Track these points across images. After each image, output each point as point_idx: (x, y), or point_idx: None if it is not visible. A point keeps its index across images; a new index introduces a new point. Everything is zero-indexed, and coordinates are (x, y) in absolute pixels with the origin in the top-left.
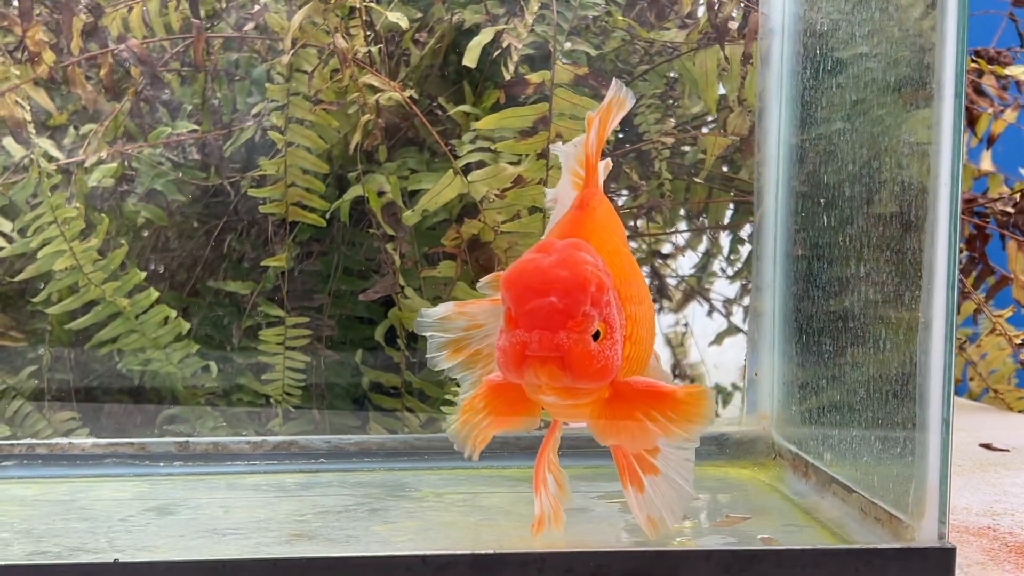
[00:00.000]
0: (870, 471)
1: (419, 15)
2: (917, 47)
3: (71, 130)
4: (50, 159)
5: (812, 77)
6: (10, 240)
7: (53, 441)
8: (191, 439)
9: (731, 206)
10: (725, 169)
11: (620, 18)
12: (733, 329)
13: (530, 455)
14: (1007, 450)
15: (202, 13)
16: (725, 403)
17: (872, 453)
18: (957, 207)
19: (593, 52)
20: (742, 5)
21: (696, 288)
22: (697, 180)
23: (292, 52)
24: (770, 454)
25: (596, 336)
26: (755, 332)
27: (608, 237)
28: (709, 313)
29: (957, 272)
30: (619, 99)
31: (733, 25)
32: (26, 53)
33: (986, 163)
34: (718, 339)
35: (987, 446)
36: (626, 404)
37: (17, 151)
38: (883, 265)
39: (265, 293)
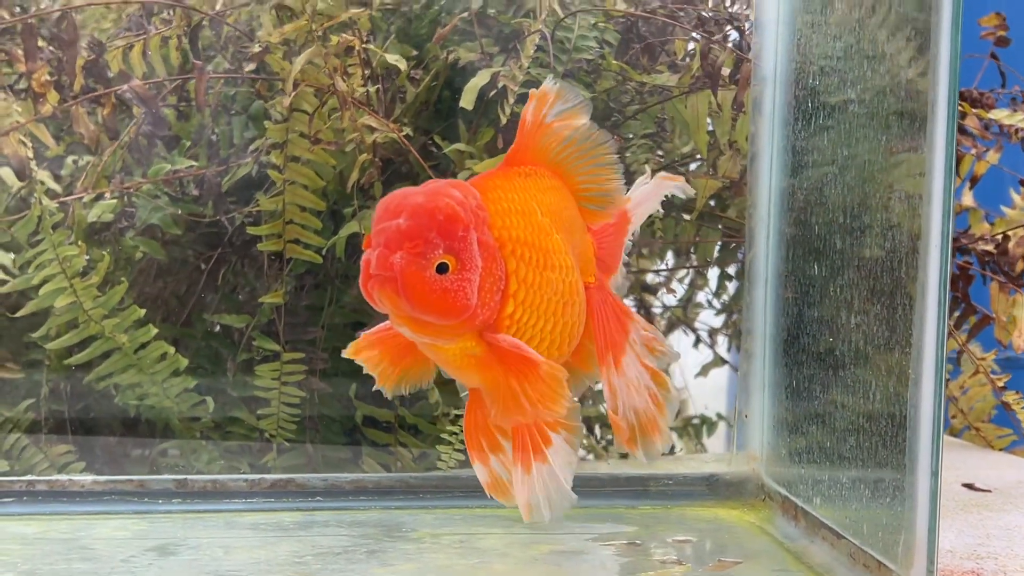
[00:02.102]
0: (859, 517)
1: (414, 52)
2: (906, 95)
3: (68, 161)
4: (51, 195)
5: (803, 126)
6: (8, 273)
7: (53, 478)
8: (189, 477)
9: (718, 244)
10: (712, 203)
11: (613, 62)
12: (719, 361)
13: None
14: (989, 490)
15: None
16: (709, 433)
17: (861, 500)
18: (947, 268)
19: (587, 95)
20: (734, 53)
21: (683, 319)
22: (687, 218)
23: (294, 94)
24: (759, 495)
25: (444, 269)
26: (745, 374)
27: (525, 198)
28: (696, 344)
29: (946, 329)
30: (552, 90)
31: (725, 71)
32: (30, 91)
33: (967, 198)
34: (703, 371)
35: (970, 486)
36: (493, 360)
37: (14, 182)
38: (873, 316)
39: (260, 327)
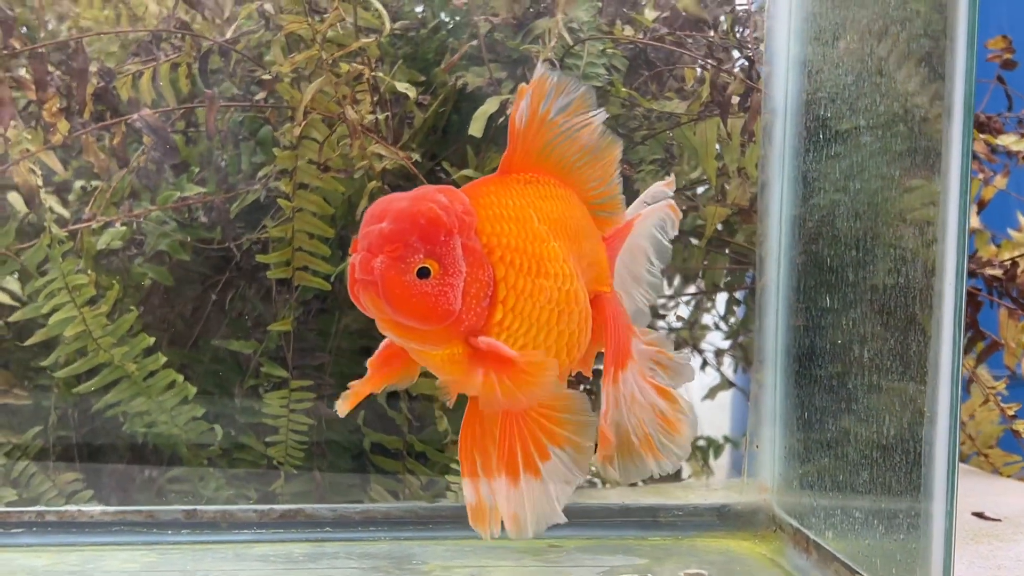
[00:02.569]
0: (872, 551)
1: (422, 78)
2: (918, 126)
3: (76, 186)
4: (60, 222)
5: (815, 156)
6: (16, 299)
7: (63, 508)
8: (199, 507)
9: (726, 269)
10: (720, 228)
11: (622, 89)
12: (726, 383)
13: None
14: (999, 519)
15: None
16: (716, 455)
17: (874, 534)
18: (961, 306)
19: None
20: (744, 81)
21: (689, 340)
22: (696, 243)
23: (304, 123)
24: (770, 526)
25: (426, 273)
26: (756, 403)
27: (520, 204)
28: (703, 367)
29: (961, 366)
30: (544, 79)
31: (734, 99)
32: (40, 119)
33: (974, 221)
34: (711, 393)
35: (980, 515)
36: (476, 363)
37: (22, 208)
38: (887, 351)
39: (268, 352)
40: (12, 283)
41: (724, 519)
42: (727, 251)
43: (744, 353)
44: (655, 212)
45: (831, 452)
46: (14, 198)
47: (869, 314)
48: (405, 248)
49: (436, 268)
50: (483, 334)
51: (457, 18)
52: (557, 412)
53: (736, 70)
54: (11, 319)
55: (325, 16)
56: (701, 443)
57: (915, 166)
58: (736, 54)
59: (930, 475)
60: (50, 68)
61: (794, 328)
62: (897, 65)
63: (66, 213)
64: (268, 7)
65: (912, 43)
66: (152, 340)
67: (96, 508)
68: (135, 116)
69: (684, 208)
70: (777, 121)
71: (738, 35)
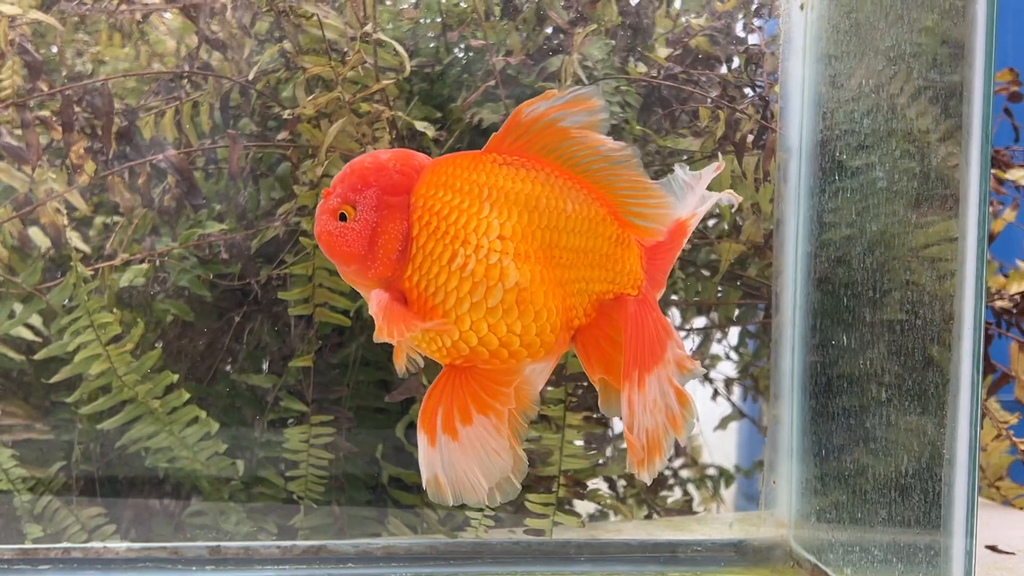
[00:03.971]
0: None
1: (438, 114)
2: (934, 171)
3: (97, 221)
4: (86, 262)
5: (830, 197)
6: (37, 333)
7: (88, 545)
8: (222, 544)
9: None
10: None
11: (637, 127)
12: (737, 414)
13: (553, 559)
14: (1013, 553)
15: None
16: (727, 484)
17: (893, 573)
18: (980, 352)
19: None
20: (759, 121)
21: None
22: (711, 279)
23: (326, 163)
24: (788, 561)
25: (344, 219)
26: (773, 439)
27: (473, 179)
28: (713, 397)
29: (980, 411)
30: (584, 98)
31: (749, 138)
32: (67, 159)
33: None
34: (722, 423)
35: (993, 548)
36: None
37: (43, 241)
38: (905, 391)
39: (287, 386)
40: (34, 319)
41: (742, 554)
42: (738, 283)
43: (755, 384)
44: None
45: (849, 488)
46: (40, 236)
47: (886, 353)
48: (333, 193)
49: (351, 213)
50: (397, 287)
51: (471, 54)
52: (496, 384)
53: (749, 108)
54: (37, 356)
55: (345, 56)
56: (712, 472)
57: (932, 207)
58: (749, 92)
59: (949, 515)
60: (76, 108)
61: (810, 364)
62: (913, 107)
63: (86, 248)
64: (286, 45)
65: (928, 89)
66: (176, 377)
67: (121, 545)
68: (160, 156)
69: (698, 242)
70: (792, 160)
71: (751, 74)
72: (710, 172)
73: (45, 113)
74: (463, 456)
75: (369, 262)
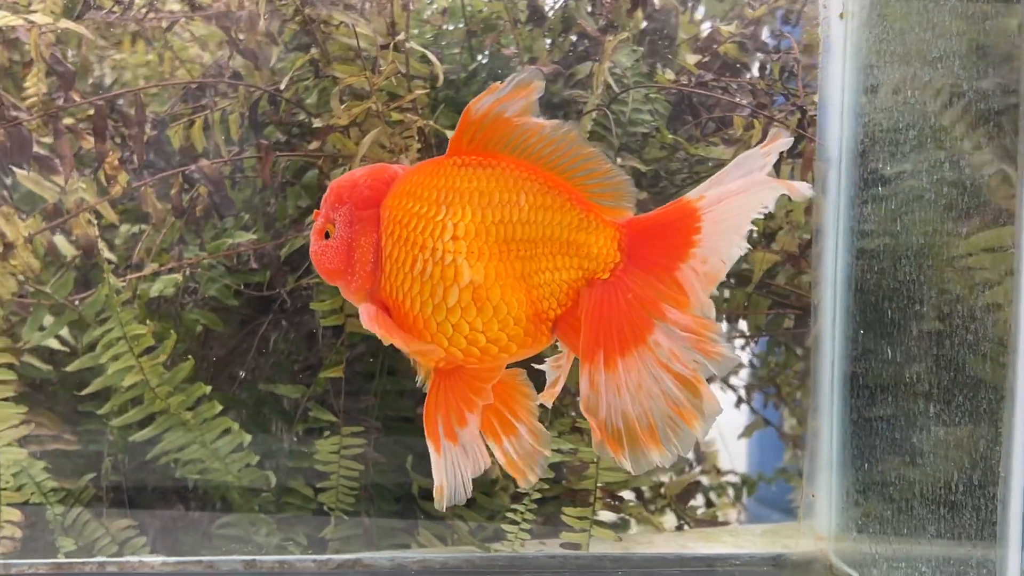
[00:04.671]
0: None
1: None
2: (982, 185)
3: (122, 229)
4: (118, 273)
5: (873, 209)
6: (64, 343)
7: (123, 559)
8: (257, 558)
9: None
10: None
11: (669, 136)
12: (762, 422)
13: (590, 574)
14: None
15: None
16: (750, 493)
17: None
18: None
19: (644, 167)
20: (794, 130)
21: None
22: (739, 287)
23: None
24: (826, 575)
25: (328, 236)
26: (812, 452)
27: (430, 183)
28: (737, 404)
29: None
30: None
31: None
32: (100, 171)
33: None
34: (747, 431)
35: None
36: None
37: (69, 251)
38: (955, 407)
39: (315, 396)
40: (63, 331)
41: (780, 568)
42: (762, 292)
43: (778, 391)
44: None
45: (893, 502)
46: (65, 245)
47: (934, 366)
48: (320, 214)
49: (332, 231)
50: (378, 299)
51: (498, 61)
52: (480, 382)
53: (783, 115)
54: (69, 369)
55: (376, 64)
56: (734, 479)
57: (980, 217)
58: (780, 99)
59: (1004, 532)
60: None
61: (851, 375)
62: (958, 116)
63: (113, 256)
64: (315, 53)
65: (977, 98)
66: (208, 388)
67: (156, 559)
68: (193, 167)
69: None
70: (831, 169)
71: (785, 82)
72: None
73: (69, 121)
74: (464, 459)
75: (349, 276)
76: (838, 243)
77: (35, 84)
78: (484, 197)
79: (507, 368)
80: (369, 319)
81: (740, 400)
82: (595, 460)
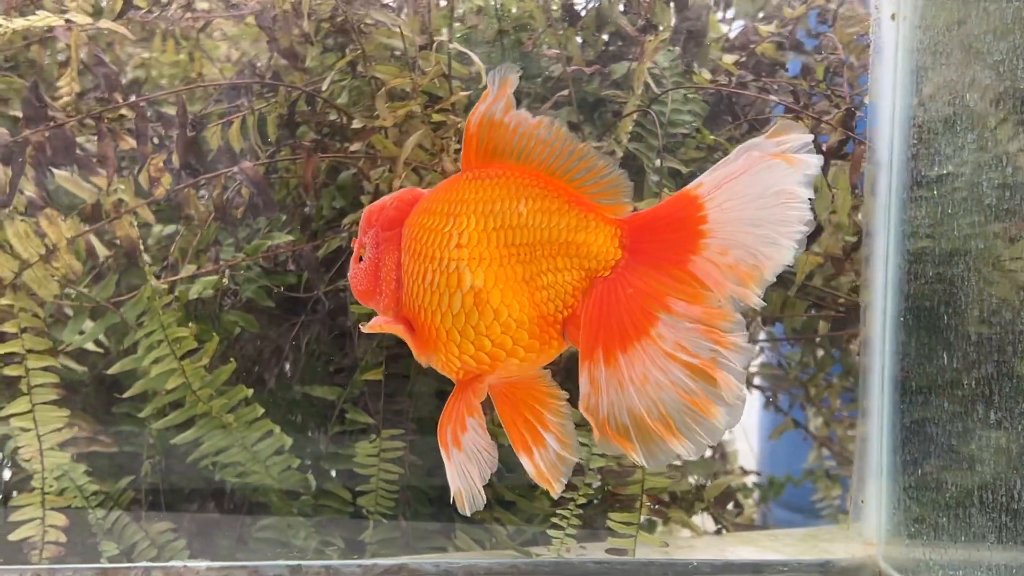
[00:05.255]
0: None
1: None
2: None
3: (155, 229)
4: (158, 275)
5: (927, 213)
6: (99, 345)
7: (169, 564)
8: (303, 563)
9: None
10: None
11: (710, 136)
12: (793, 423)
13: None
14: None
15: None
16: (776, 494)
17: None
18: None
19: (684, 169)
20: (843, 132)
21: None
22: (778, 289)
23: (403, 175)
24: None
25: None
26: (861, 457)
27: (443, 198)
28: (767, 406)
29: None
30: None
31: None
32: (143, 172)
33: None
34: (776, 433)
35: None
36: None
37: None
38: (1018, 414)
39: (351, 398)
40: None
41: (827, 574)
42: (800, 295)
43: (805, 393)
44: (738, 187)
45: (949, 509)
46: (102, 248)
47: (995, 373)
48: (357, 240)
49: (363, 254)
50: (404, 316)
51: (529, 61)
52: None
53: (827, 117)
54: (111, 371)
55: (415, 64)
56: (761, 481)
57: None
58: (819, 100)
59: None
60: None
61: (902, 380)
62: (1014, 121)
63: (147, 259)
64: (350, 54)
65: None
66: (250, 391)
67: (201, 564)
68: (236, 169)
69: None
70: (882, 172)
71: (829, 83)
72: (755, 146)
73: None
74: (469, 464)
75: (378, 296)
76: (888, 245)
77: (68, 84)
78: (487, 205)
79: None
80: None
81: (768, 401)
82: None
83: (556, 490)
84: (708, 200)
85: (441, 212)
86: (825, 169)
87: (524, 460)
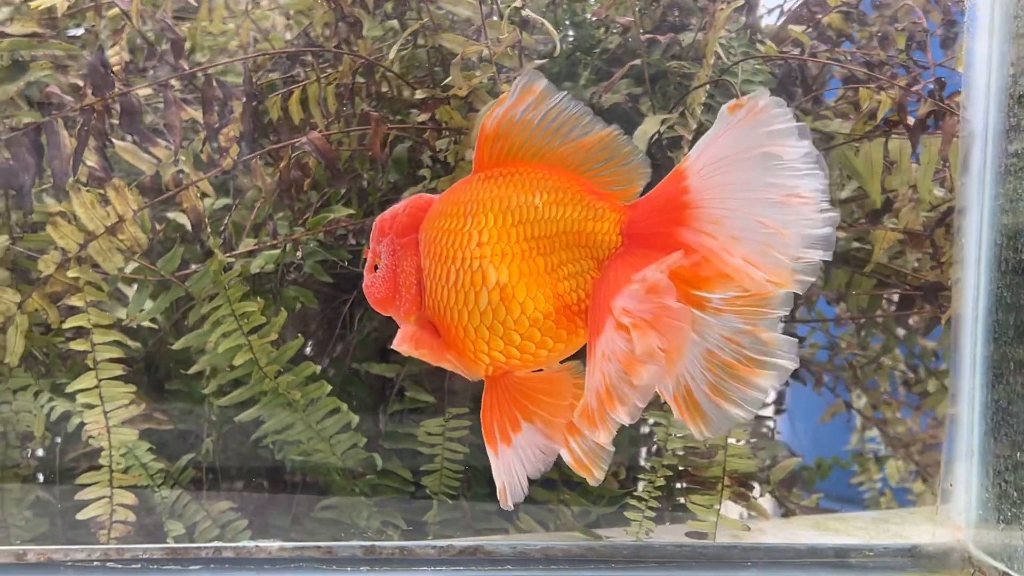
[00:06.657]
0: None
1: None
2: None
3: (206, 203)
4: (225, 250)
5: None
6: (153, 320)
7: (240, 544)
8: (377, 543)
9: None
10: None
11: None
12: (844, 405)
13: (719, 564)
14: None
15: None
16: (823, 477)
17: None
18: None
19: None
20: (934, 103)
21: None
22: (847, 267)
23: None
24: (965, 567)
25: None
26: (951, 441)
27: (458, 200)
28: (816, 387)
29: None
30: (531, 89)
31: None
32: (193, 140)
33: None
34: (827, 414)
35: None
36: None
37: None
38: None
39: (412, 376)
40: (152, 310)
41: (916, 559)
42: (855, 272)
43: (852, 372)
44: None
45: None
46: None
47: None
48: (369, 250)
49: (379, 263)
50: (426, 319)
51: (581, 31)
52: (534, 390)
53: (918, 87)
54: (176, 346)
55: (478, 33)
56: (808, 464)
57: None
58: (900, 71)
59: None
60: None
61: (996, 361)
62: None
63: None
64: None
65: None
66: (318, 368)
67: (274, 544)
68: (304, 139)
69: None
70: (976, 145)
71: (909, 53)
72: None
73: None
74: (516, 461)
75: (398, 303)
76: (983, 221)
77: (118, 53)
78: (503, 202)
79: (561, 363)
80: (400, 339)
81: (818, 382)
82: (724, 446)
83: (597, 477)
84: (689, 168)
85: (457, 214)
86: (915, 143)
87: (562, 450)
